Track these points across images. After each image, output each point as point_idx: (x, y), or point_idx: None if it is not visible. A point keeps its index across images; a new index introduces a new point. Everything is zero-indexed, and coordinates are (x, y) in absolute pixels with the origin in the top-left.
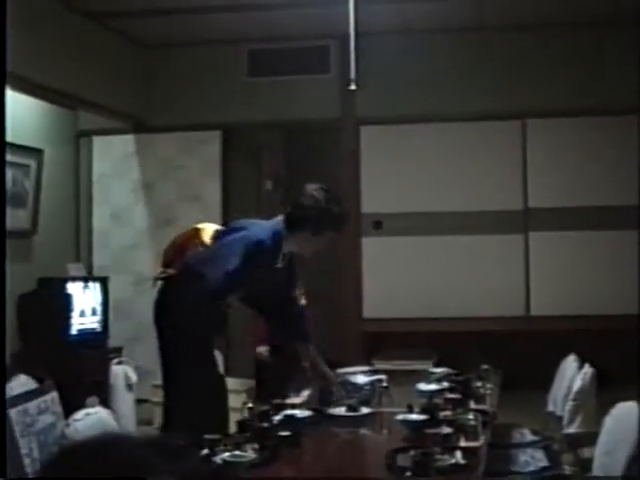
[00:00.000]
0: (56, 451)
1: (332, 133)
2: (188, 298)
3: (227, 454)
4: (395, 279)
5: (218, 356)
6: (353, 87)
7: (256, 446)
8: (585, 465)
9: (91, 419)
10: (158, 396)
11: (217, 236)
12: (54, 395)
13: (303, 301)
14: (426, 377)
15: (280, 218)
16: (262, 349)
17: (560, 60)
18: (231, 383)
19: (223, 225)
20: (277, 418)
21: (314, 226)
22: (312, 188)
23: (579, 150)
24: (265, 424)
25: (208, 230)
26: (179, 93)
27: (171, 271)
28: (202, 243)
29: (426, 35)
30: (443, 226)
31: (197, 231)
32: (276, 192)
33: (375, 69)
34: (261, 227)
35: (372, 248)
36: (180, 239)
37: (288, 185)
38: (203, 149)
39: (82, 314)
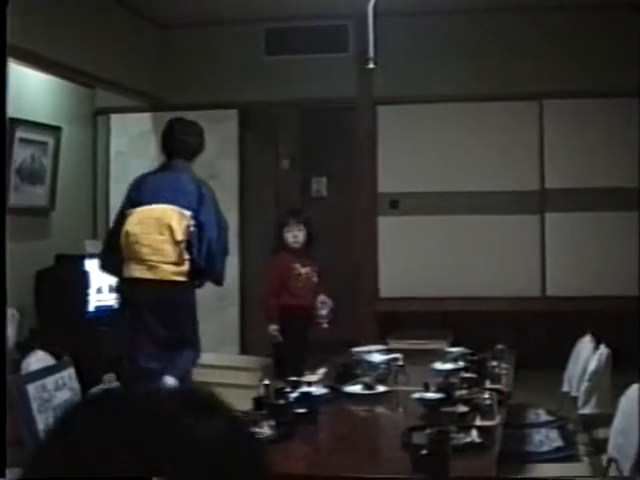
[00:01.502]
0: (76, 402)
1: (349, 112)
2: None
3: None
4: (411, 258)
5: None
6: (371, 66)
7: (272, 423)
8: (600, 446)
9: None
10: None
11: None
12: (71, 371)
13: (315, 279)
14: (442, 356)
15: None
16: (273, 328)
17: (578, 41)
18: (246, 361)
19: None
20: (293, 395)
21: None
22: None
23: (596, 131)
24: (281, 401)
25: None
26: (196, 72)
27: None
28: None
29: (444, 15)
30: (459, 206)
31: None
32: (293, 171)
33: (393, 48)
34: None
35: (388, 227)
36: None
37: (305, 164)
38: (220, 128)
39: (99, 291)
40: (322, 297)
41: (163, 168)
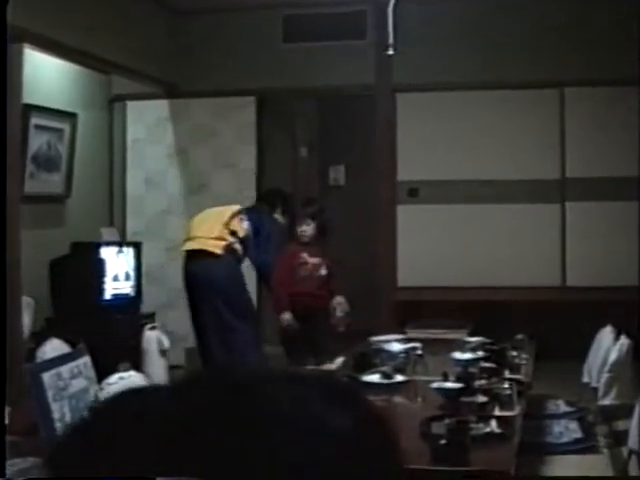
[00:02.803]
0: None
1: (367, 100)
2: None
3: None
4: (430, 247)
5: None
6: (390, 52)
7: None
8: (620, 438)
9: (124, 383)
10: (191, 362)
11: None
12: (87, 359)
13: (323, 271)
14: (461, 346)
15: None
16: (287, 316)
17: (598, 29)
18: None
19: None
20: None
21: None
22: None
23: (618, 120)
24: None
25: None
26: (213, 59)
27: None
28: None
29: (463, 2)
30: (479, 194)
31: None
32: (310, 159)
33: (411, 35)
34: None
35: (407, 216)
36: None
37: (322, 152)
38: (238, 115)
39: (115, 279)
40: (338, 298)
41: None
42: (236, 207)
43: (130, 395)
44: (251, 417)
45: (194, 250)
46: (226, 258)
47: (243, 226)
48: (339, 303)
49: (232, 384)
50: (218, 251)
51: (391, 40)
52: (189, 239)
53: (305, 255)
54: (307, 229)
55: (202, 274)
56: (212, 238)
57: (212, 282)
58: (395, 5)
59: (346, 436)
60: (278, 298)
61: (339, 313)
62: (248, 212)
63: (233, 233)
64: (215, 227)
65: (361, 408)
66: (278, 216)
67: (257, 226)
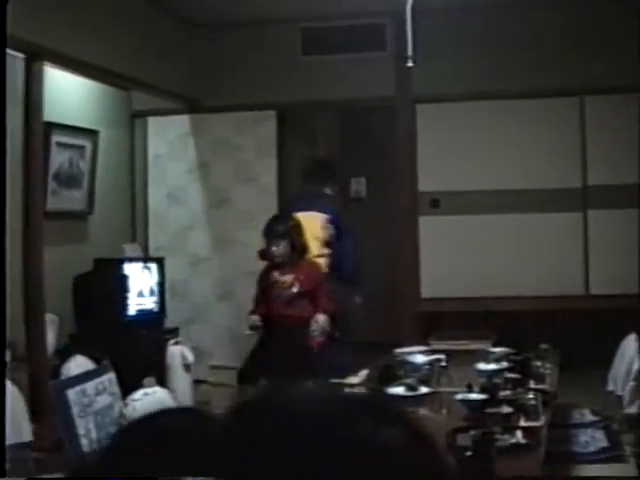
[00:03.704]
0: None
1: (388, 111)
2: None
3: None
4: (453, 258)
5: None
6: (410, 64)
7: None
8: None
9: (149, 399)
10: (215, 377)
11: None
12: (112, 375)
13: (295, 289)
14: (485, 357)
15: None
16: (254, 317)
17: (618, 36)
18: None
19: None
20: None
21: None
22: None
23: (638, 126)
24: None
25: None
26: (233, 73)
27: None
28: None
29: (482, 12)
30: (501, 204)
31: None
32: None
33: (431, 46)
34: None
35: (429, 227)
36: None
37: (343, 165)
38: (258, 129)
39: (139, 295)
40: (317, 316)
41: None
42: (320, 215)
43: (163, 415)
44: (303, 440)
45: None
46: (328, 275)
47: (330, 234)
48: (315, 321)
49: (283, 407)
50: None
51: (410, 52)
52: None
53: (276, 274)
54: (277, 249)
55: None
56: (313, 257)
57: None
58: (414, 17)
59: (397, 451)
60: (250, 317)
61: (313, 331)
62: (330, 219)
63: (325, 244)
64: (312, 244)
65: (408, 423)
66: (328, 190)
67: (338, 230)
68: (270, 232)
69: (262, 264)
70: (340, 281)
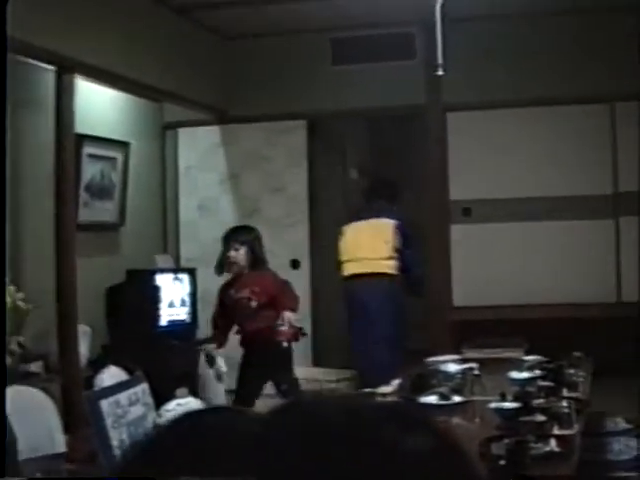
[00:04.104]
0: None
1: (418, 120)
2: None
3: None
4: (485, 266)
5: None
6: (440, 72)
7: None
8: None
9: (182, 410)
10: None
11: None
12: (145, 386)
13: (253, 303)
14: (518, 365)
15: None
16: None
17: None
18: (319, 373)
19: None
20: None
21: None
22: None
23: None
24: None
25: None
26: (263, 83)
27: None
28: None
29: (511, 20)
30: (532, 212)
31: None
32: (362, 181)
33: (460, 55)
34: None
35: (461, 235)
36: None
37: (374, 173)
38: (288, 139)
39: (171, 305)
40: (283, 313)
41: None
42: (391, 222)
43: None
44: (329, 445)
45: (365, 273)
46: (398, 278)
47: (399, 240)
48: (281, 318)
49: (314, 413)
50: (394, 272)
51: (440, 60)
52: (351, 261)
53: (232, 292)
54: (235, 255)
55: (380, 295)
56: (384, 259)
57: (393, 303)
58: (443, 24)
59: (424, 460)
60: (213, 337)
61: (278, 324)
62: (399, 225)
63: (395, 249)
64: (383, 247)
65: (436, 432)
66: (394, 208)
67: (405, 237)
68: (230, 238)
69: (295, 275)
70: (407, 282)
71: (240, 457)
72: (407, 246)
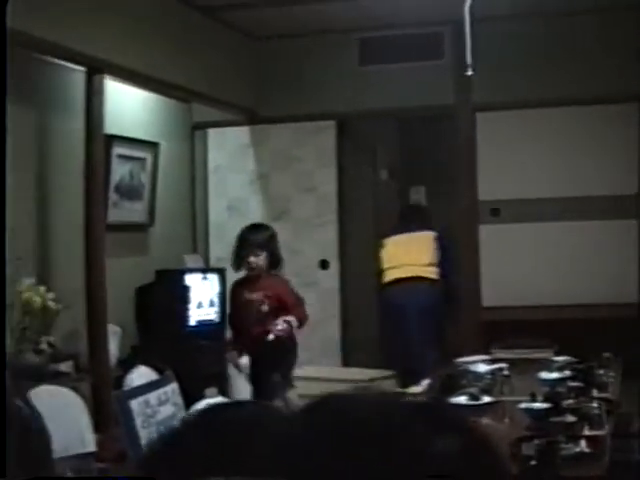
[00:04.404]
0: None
1: (447, 120)
2: None
3: None
4: (513, 266)
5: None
6: (470, 72)
7: None
8: None
9: None
10: None
11: None
12: (174, 386)
13: (265, 307)
14: (547, 365)
15: None
16: (242, 361)
17: None
18: (348, 373)
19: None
20: None
21: None
22: None
23: None
24: None
25: None
26: (291, 84)
27: None
28: None
29: (540, 19)
30: (561, 212)
31: None
32: (391, 181)
33: (489, 54)
34: None
35: (490, 235)
36: None
37: (403, 173)
38: (317, 139)
39: (200, 305)
40: (288, 317)
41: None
42: (431, 234)
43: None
44: (361, 443)
45: (406, 277)
46: (438, 282)
47: (439, 251)
48: (283, 319)
49: (344, 411)
50: (435, 277)
51: (470, 60)
52: (393, 267)
53: (245, 292)
54: (256, 260)
55: (421, 297)
56: (427, 265)
57: (433, 306)
58: (472, 24)
59: (454, 459)
60: (233, 341)
61: (277, 327)
62: (438, 236)
63: (435, 258)
64: (425, 254)
65: (467, 431)
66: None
67: (444, 249)
68: (248, 241)
69: (324, 275)
70: (445, 290)
71: (268, 455)
72: (446, 258)
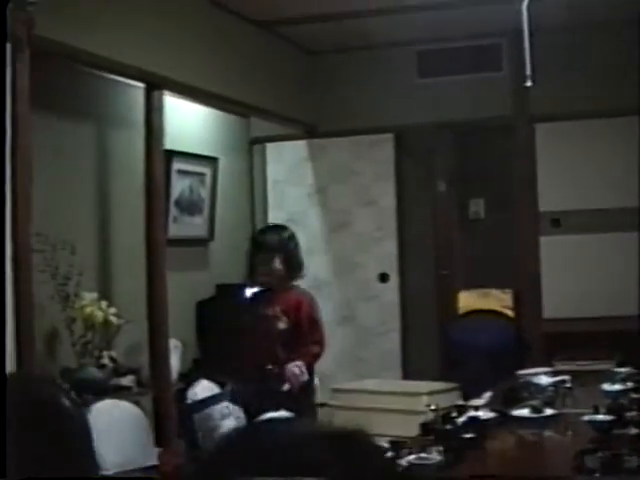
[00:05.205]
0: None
1: (505, 131)
2: None
3: (412, 456)
4: (575, 278)
5: None
6: (529, 84)
7: (441, 448)
8: None
9: None
10: (337, 400)
11: None
12: (236, 400)
13: (282, 325)
14: (610, 377)
15: None
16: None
17: None
18: (409, 386)
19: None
20: (460, 420)
21: None
22: None
23: None
24: (449, 426)
25: None
26: (349, 97)
27: None
28: None
29: (598, 30)
30: (622, 222)
31: None
32: (450, 193)
33: (547, 65)
34: None
35: (550, 247)
36: None
37: (461, 186)
38: (376, 152)
39: None
40: (293, 369)
41: None
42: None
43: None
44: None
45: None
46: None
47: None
48: (292, 374)
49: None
50: (511, 314)
51: (529, 71)
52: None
53: (261, 305)
54: (266, 269)
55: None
56: (503, 307)
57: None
58: (531, 35)
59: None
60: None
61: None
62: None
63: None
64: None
65: (380, 458)
66: None
67: None
68: (262, 246)
69: (383, 288)
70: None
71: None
72: None
